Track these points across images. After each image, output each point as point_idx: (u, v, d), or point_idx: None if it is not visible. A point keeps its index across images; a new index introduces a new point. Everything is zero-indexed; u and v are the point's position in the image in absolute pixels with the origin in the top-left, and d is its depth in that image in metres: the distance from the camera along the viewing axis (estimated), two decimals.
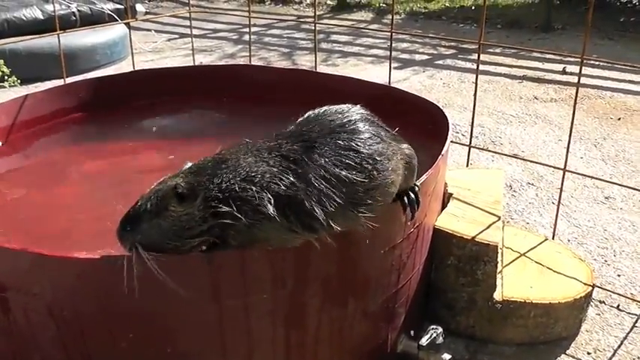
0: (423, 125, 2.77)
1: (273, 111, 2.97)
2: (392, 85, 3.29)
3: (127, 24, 6.90)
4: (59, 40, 3.33)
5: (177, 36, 7.42)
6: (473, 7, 8.73)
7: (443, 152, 2.21)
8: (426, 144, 2.69)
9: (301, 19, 8.64)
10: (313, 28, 7.80)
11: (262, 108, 3.21)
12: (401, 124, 1.80)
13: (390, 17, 8.11)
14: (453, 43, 6.93)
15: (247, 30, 7.56)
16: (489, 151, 4.07)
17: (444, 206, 2.50)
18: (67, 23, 6.20)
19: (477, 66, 2.99)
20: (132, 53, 3.82)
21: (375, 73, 5.95)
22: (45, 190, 2.56)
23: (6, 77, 4.67)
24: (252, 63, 6.39)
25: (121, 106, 3.17)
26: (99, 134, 3.07)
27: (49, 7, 6.24)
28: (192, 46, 4.24)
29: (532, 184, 3.72)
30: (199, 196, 1.55)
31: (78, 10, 6.31)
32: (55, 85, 3.19)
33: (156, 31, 7.47)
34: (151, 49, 6.69)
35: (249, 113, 3.20)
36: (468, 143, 3.18)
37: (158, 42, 7.06)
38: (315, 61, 3.74)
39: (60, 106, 3.06)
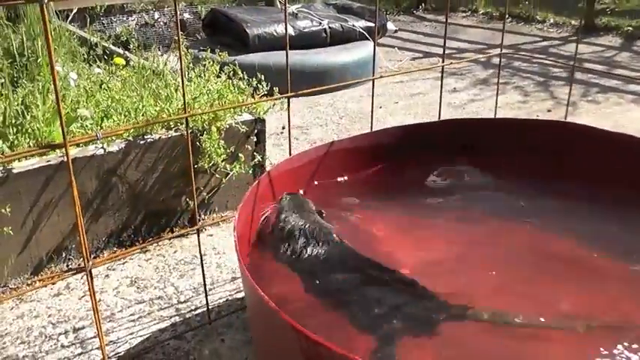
0: None
1: None
2: None
3: (374, 41, 6.70)
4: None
5: (421, 55, 7.05)
6: None
7: None
8: None
9: (547, 40, 7.85)
10: (563, 53, 6.99)
11: None
12: None
13: None
14: None
15: (495, 51, 7.01)
16: None
17: None
18: (317, 39, 6.09)
19: None
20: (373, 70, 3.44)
21: (638, 115, 5.07)
22: None
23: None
24: (509, 91, 5.82)
25: None
26: None
27: (301, 24, 6.15)
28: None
29: None
30: None
31: (329, 27, 6.16)
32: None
33: (399, 48, 7.17)
34: (397, 68, 6.38)
35: None
36: None
37: (403, 61, 6.74)
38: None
39: None
